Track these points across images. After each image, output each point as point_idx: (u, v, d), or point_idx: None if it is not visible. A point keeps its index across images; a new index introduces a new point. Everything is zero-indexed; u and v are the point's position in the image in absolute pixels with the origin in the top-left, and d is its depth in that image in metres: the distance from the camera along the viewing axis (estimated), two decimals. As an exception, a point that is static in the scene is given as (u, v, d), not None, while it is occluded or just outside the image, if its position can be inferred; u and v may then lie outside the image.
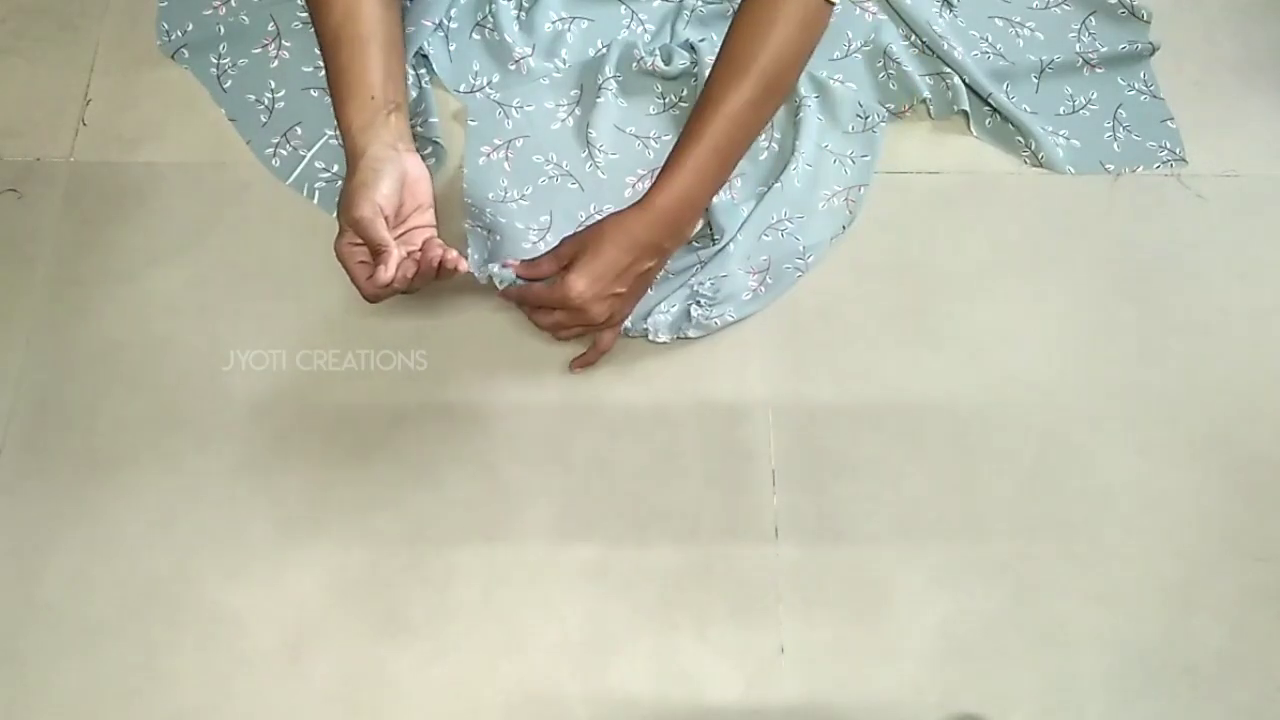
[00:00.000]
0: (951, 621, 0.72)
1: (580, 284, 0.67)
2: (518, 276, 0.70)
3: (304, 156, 0.84)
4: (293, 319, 0.79)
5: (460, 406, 0.77)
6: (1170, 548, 0.75)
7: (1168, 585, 0.73)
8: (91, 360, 0.77)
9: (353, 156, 0.65)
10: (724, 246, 0.79)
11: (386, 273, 0.60)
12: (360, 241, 0.62)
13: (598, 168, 0.83)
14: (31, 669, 0.68)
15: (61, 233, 0.82)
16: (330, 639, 0.70)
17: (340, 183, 0.82)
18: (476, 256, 0.78)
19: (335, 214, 0.64)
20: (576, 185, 0.82)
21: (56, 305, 0.79)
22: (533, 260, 0.71)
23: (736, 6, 0.71)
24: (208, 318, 0.79)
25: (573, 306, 0.67)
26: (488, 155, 0.84)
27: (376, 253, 0.61)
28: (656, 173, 0.76)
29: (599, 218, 0.80)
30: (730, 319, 0.78)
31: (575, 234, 0.71)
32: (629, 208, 0.70)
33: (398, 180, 0.64)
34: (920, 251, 0.83)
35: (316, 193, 0.83)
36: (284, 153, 0.84)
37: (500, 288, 0.69)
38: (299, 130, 0.85)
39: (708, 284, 0.78)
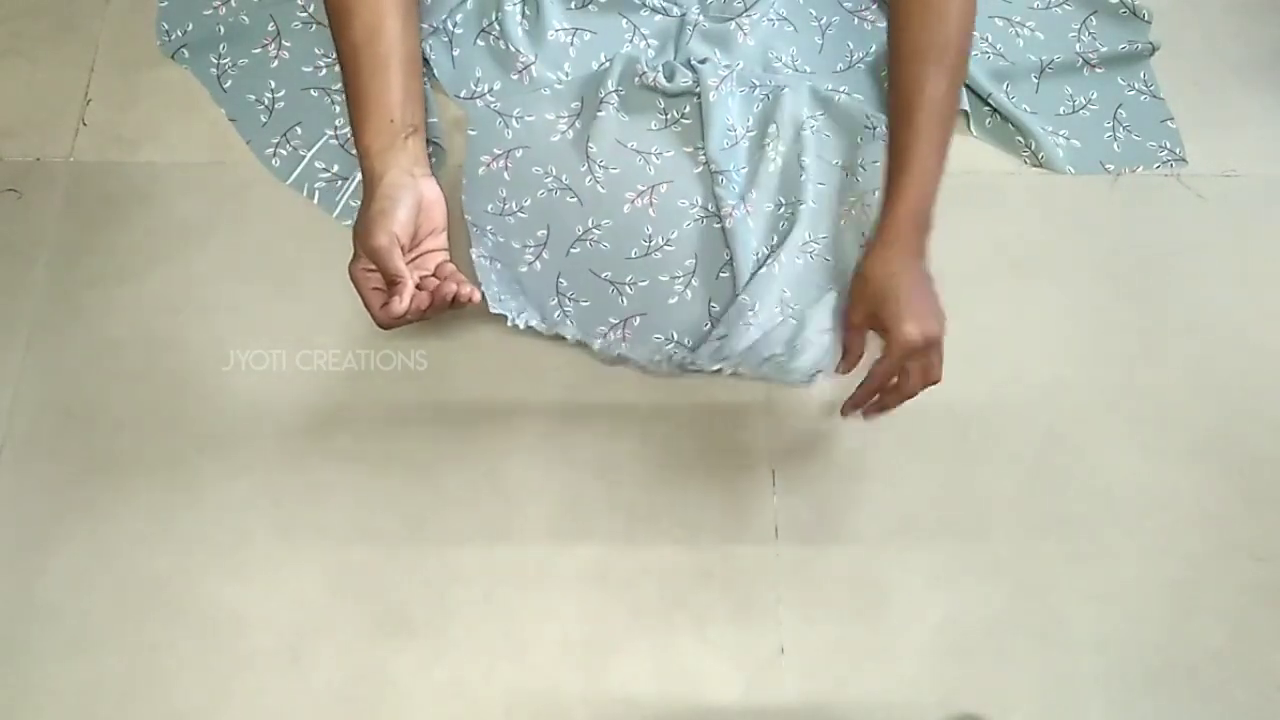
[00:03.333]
0: (951, 621, 0.72)
1: (910, 327, 0.66)
2: (866, 402, 0.70)
3: (304, 156, 0.84)
4: (293, 319, 0.79)
5: (460, 406, 0.77)
6: (1170, 548, 0.75)
7: (1168, 585, 0.73)
8: (91, 360, 0.77)
9: (370, 181, 0.65)
10: (759, 268, 0.78)
11: (400, 305, 0.60)
12: (374, 268, 0.62)
13: (597, 182, 0.82)
14: (31, 669, 0.69)
15: (61, 233, 0.82)
16: (330, 639, 0.70)
17: (340, 183, 0.83)
18: (495, 290, 0.76)
19: (351, 236, 0.64)
20: (575, 199, 0.82)
21: (56, 305, 0.79)
22: (863, 382, 0.70)
23: (740, 24, 0.71)
24: (208, 318, 0.79)
25: (921, 348, 0.66)
26: (487, 165, 0.83)
27: (391, 282, 0.62)
28: (655, 186, 0.75)
29: (596, 231, 0.80)
30: (807, 372, 0.74)
31: (850, 305, 0.71)
32: (875, 242, 0.70)
33: (414, 207, 0.64)
34: (920, 251, 0.83)
35: (316, 193, 0.83)
36: (284, 153, 0.84)
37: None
38: (299, 130, 0.85)
39: (781, 348, 0.75)
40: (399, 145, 0.65)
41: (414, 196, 0.64)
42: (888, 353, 0.67)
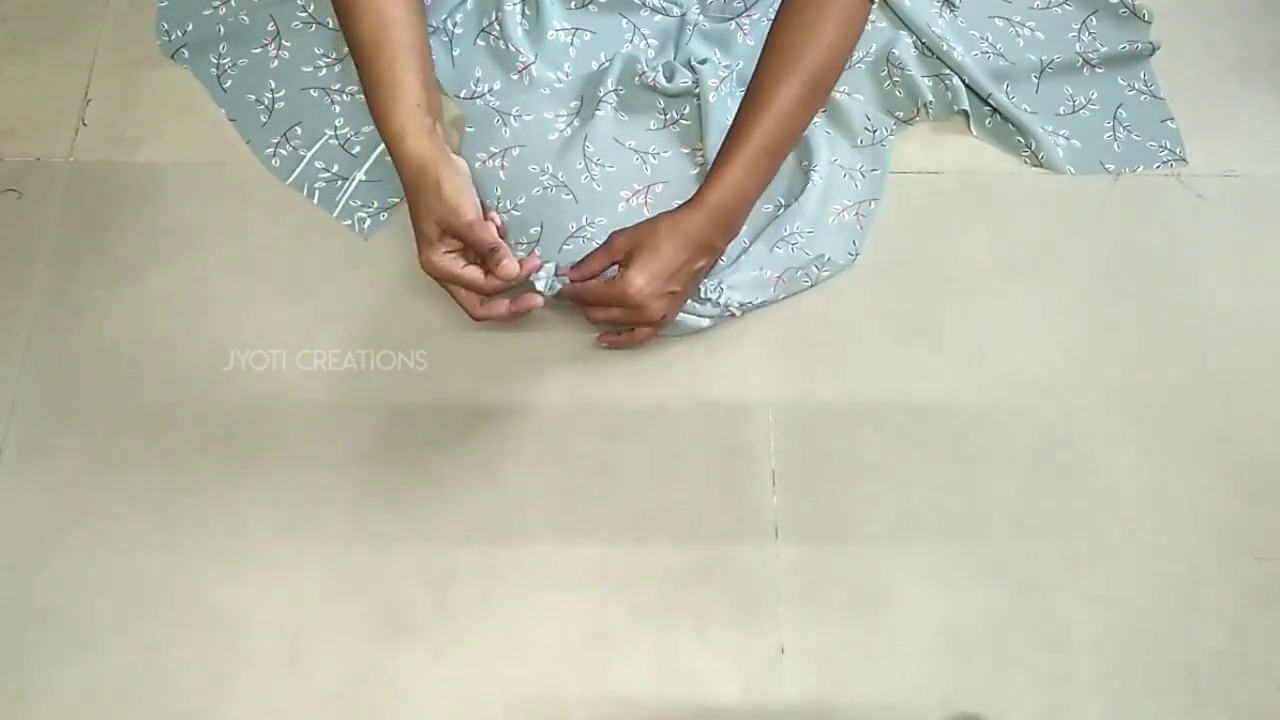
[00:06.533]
0: (951, 621, 0.72)
1: (640, 280, 0.67)
2: (569, 280, 0.70)
3: (304, 156, 0.84)
4: (293, 319, 0.79)
5: (460, 406, 0.77)
6: (1170, 548, 0.75)
7: (1168, 585, 0.73)
8: (91, 360, 0.77)
9: (416, 161, 0.63)
10: (737, 257, 0.79)
11: (526, 265, 0.60)
12: (455, 249, 0.61)
13: (593, 180, 0.82)
14: (32, 669, 0.69)
15: (61, 233, 0.82)
16: (330, 639, 0.70)
17: (340, 183, 0.83)
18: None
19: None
20: (570, 196, 0.81)
21: (56, 305, 0.79)
22: (584, 260, 0.71)
23: (743, 11, 0.71)
24: (208, 318, 0.79)
25: (632, 304, 0.68)
26: (484, 161, 0.83)
27: (485, 257, 0.61)
28: (651, 185, 0.75)
29: (590, 229, 0.80)
30: (738, 300, 0.77)
31: (626, 230, 0.71)
32: (683, 206, 0.70)
33: (473, 184, 0.64)
34: (920, 251, 0.83)
35: (316, 193, 0.83)
36: (284, 153, 0.84)
37: (549, 294, 0.69)
38: (299, 130, 0.85)
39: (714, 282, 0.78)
40: (432, 127, 0.65)
41: (468, 174, 0.64)
42: (612, 282, 0.68)
